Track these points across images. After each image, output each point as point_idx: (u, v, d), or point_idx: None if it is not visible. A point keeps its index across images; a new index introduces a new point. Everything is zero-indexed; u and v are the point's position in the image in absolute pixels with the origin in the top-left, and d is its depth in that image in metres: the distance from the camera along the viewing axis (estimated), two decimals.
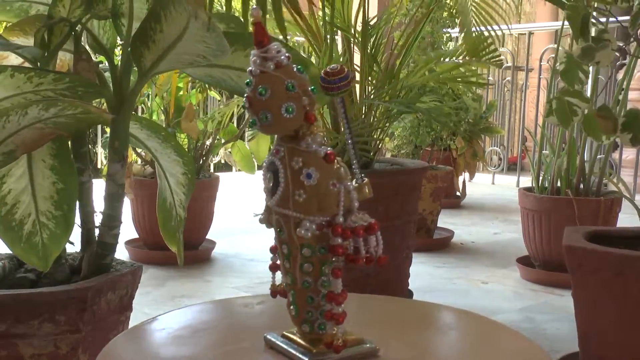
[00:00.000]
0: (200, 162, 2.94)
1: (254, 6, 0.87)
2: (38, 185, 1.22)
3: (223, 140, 3.09)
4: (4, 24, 1.48)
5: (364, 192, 0.78)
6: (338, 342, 0.78)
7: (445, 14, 3.38)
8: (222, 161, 3.96)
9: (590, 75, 3.69)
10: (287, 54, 0.75)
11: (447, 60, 2.23)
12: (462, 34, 2.38)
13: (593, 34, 1.60)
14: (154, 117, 2.92)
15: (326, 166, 0.76)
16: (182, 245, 1.43)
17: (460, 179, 4.05)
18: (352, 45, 2.23)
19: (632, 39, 1.65)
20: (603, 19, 2.02)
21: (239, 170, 3.33)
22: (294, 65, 0.76)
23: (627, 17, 1.65)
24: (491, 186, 5.60)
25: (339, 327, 0.78)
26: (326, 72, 0.75)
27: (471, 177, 3.90)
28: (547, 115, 1.71)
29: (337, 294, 0.78)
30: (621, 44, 1.71)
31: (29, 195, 1.21)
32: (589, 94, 2.72)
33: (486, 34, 2.40)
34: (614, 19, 1.85)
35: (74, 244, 1.32)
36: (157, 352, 0.89)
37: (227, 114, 2.92)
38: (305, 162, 0.76)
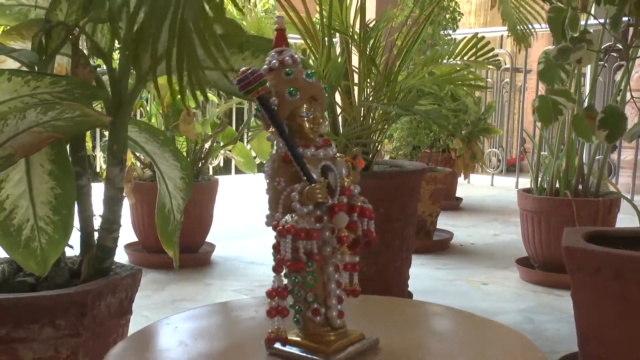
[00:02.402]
0: (200, 165, 2.94)
1: (278, 15, 0.92)
2: (36, 190, 1.22)
3: (222, 143, 3.09)
4: (1, 27, 1.48)
5: (303, 196, 0.79)
6: (269, 335, 0.80)
7: (447, 16, 3.38)
8: (222, 163, 3.96)
9: (588, 72, 3.71)
10: (280, 58, 0.80)
11: (445, 61, 2.23)
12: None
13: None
14: (153, 121, 2.92)
15: (281, 165, 0.80)
16: (179, 249, 1.43)
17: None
18: (350, 47, 2.23)
19: (616, 43, 1.65)
20: (594, 21, 2.02)
21: (242, 170, 3.33)
22: (285, 69, 0.81)
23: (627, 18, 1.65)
24: (490, 187, 5.60)
25: (271, 321, 0.80)
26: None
27: (465, 177, 3.88)
28: (533, 114, 1.72)
29: (271, 289, 0.79)
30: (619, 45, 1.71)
31: (27, 201, 1.21)
32: (586, 93, 2.71)
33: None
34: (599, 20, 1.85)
35: (73, 248, 1.32)
36: (160, 357, 0.89)
37: (222, 111, 2.91)
38: (272, 158, 0.81)
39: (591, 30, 1.64)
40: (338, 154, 0.83)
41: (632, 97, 2.23)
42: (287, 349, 0.83)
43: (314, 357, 0.81)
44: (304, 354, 0.82)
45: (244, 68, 0.78)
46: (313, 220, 0.79)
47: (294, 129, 0.81)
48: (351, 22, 2.22)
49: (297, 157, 0.79)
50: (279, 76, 0.81)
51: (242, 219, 3.91)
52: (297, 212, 0.78)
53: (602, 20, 1.72)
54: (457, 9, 3.54)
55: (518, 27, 2.38)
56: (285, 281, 0.82)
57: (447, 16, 3.35)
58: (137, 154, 2.79)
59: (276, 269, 0.79)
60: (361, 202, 0.83)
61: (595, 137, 1.62)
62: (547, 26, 1.64)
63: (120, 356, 0.88)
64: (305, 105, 0.80)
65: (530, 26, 2.49)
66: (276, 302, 0.79)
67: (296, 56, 0.82)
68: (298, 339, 0.83)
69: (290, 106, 0.80)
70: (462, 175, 3.99)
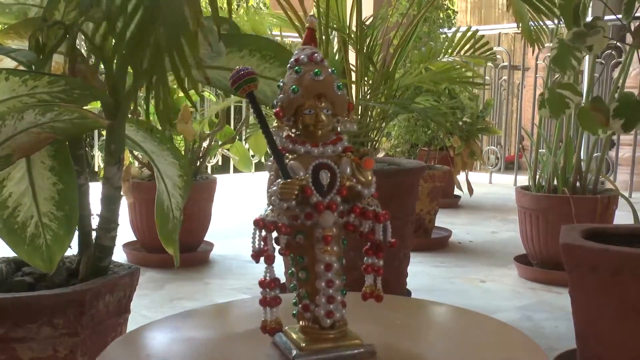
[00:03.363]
0: (198, 164, 2.93)
1: (311, 14, 0.95)
2: (38, 187, 1.22)
3: (220, 142, 3.09)
4: (0, 26, 1.48)
5: (279, 192, 0.79)
6: (262, 324, 0.81)
7: (442, 14, 3.38)
8: (220, 162, 3.96)
9: (585, 69, 3.71)
10: (297, 57, 0.83)
11: (441, 56, 2.24)
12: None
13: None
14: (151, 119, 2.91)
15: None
16: (179, 247, 1.43)
17: (462, 177, 4.02)
18: (347, 45, 2.23)
19: (626, 30, 1.65)
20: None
21: (239, 169, 3.33)
22: (296, 68, 0.83)
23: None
24: (488, 185, 5.60)
25: (264, 311, 0.81)
26: None
27: (459, 173, 3.87)
28: (540, 107, 1.72)
29: (263, 278, 0.80)
30: (616, 42, 1.72)
31: (30, 198, 1.21)
32: (585, 90, 2.72)
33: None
34: (611, 16, 1.85)
35: (71, 247, 1.32)
36: (157, 356, 0.89)
37: (220, 109, 2.91)
38: None
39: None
40: (345, 153, 0.83)
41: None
42: (278, 338, 0.84)
43: (288, 349, 0.82)
44: (283, 344, 0.83)
45: (237, 67, 0.80)
46: (290, 215, 0.80)
47: (301, 126, 0.82)
48: (348, 20, 2.22)
49: (274, 152, 0.80)
50: (291, 74, 0.82)
51: (241, 218, 3.91)
52: (275, 206, 0.79)
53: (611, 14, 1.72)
54: (452, 7, 3.54)
55: (531, 24, 2.36)
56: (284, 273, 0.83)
57: (442, 14, 3.34)
58: (135, 153, 2.79)
59: (266, 261, 0.80)
60: (365, 204, 0.82)
61: (601, 130, 1.63)
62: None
63: (117, 355, 0.88)
64: (314, 103, 0.81)
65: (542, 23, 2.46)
66: (267, 293, 0.80)
67: (316, 55, 0.82)
68: (291, 331, 0.84)
69: (295, 103, 0.81)
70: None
